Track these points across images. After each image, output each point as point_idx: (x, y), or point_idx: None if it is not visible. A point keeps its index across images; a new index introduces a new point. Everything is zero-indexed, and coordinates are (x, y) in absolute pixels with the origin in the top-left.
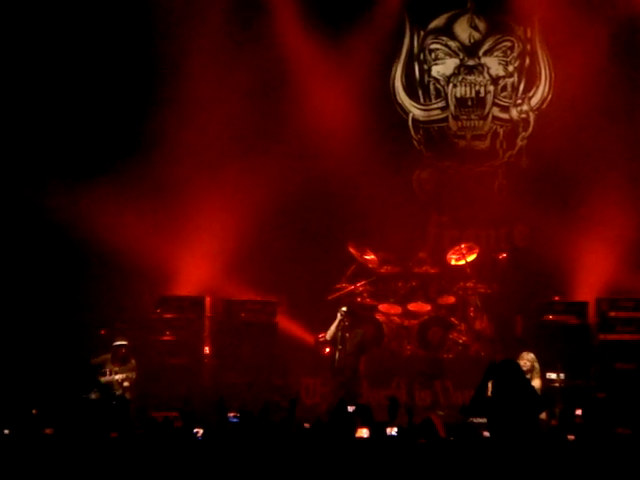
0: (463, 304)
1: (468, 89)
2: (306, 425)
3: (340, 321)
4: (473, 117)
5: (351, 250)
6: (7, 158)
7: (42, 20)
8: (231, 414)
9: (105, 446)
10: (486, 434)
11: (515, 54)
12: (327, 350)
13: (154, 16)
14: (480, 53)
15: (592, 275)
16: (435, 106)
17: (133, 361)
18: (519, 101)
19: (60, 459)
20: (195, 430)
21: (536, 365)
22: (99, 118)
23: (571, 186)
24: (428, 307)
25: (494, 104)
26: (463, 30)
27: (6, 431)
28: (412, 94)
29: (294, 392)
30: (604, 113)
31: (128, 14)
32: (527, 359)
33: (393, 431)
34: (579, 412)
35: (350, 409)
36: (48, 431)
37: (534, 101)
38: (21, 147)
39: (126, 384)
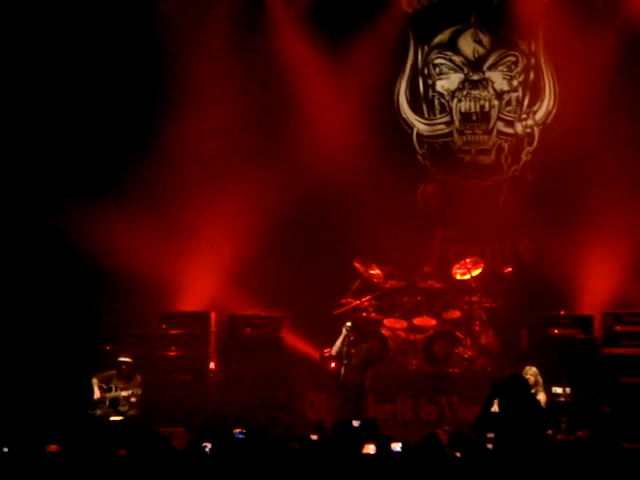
0: (469, 318)
1: (472, 104)
2: (313, 437)
3: (345, 336)
4: (478, 132)
5: (356, 265)
6: (13, 176)
7: (48, 37)
8: (237, 430)
9: (110, 463)
10: (489, 446)
11: (519, 68)
12: (332, 365)
13: (158, 30)
14: (484, 68)
15: (597, 289)
16: (439, 121)
17: (138, 377)
18: (524, 115)
19: (64, 477)
20: (203, 444)
21: (539, 379)
22: (98, 135)
23: (576, 200)
24: (433, 322)
25: (499, 119)
26: (467, 45)
27: (5, 449)
28: (416, 109)
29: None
30: (609, 127)
31: (132, 30)
32: (530, 374)
33: (397, 447)
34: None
35: (356, 424)
36: (52, 448)
37: (539, 115)
38: (27, 165)
39: (132, 400)
